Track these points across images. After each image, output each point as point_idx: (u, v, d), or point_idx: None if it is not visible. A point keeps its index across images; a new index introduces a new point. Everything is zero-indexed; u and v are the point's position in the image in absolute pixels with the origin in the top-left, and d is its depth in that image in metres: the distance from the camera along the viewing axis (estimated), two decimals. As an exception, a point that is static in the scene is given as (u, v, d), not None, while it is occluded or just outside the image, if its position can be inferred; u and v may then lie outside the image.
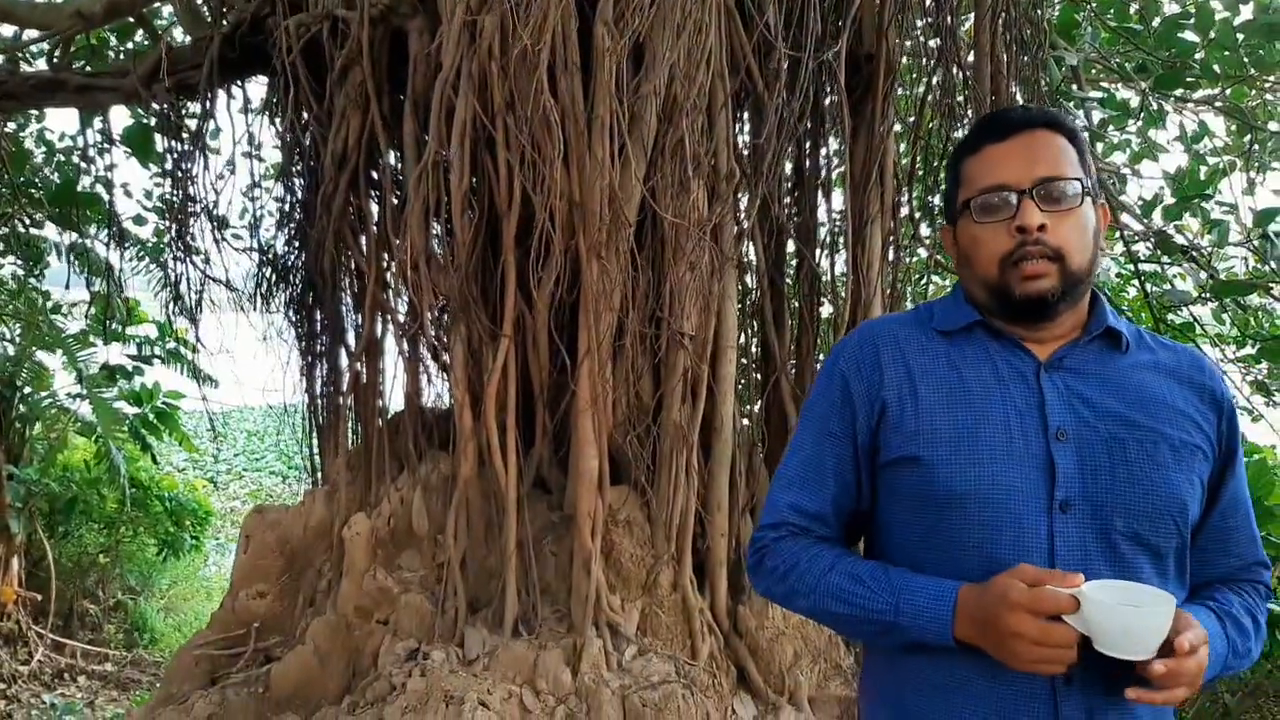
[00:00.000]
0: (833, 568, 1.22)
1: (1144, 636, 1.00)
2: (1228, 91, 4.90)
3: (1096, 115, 4.40)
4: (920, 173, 3.75)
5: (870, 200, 3.27)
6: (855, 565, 1.22)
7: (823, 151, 3.69)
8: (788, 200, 3.60)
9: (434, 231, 3.31)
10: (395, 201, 3.48)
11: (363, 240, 3.59)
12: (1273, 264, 3.33)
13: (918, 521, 1.21)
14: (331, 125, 3.47)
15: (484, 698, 2.67)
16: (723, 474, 3.11)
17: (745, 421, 3.64)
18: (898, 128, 3.70)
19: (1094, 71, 4.79)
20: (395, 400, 3.63)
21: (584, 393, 2.89)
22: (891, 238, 3.37)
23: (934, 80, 3.45)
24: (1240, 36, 4.30)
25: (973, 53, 3.41)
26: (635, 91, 2.82)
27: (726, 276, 3.06)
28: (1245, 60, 4.38)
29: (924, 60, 3.77)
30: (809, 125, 3.37)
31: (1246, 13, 4.27)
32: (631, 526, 3.08)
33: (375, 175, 3.63)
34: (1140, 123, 4.97)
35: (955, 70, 3.39)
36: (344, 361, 3.81)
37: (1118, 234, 3.73)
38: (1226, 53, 4.26)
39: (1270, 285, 3.71)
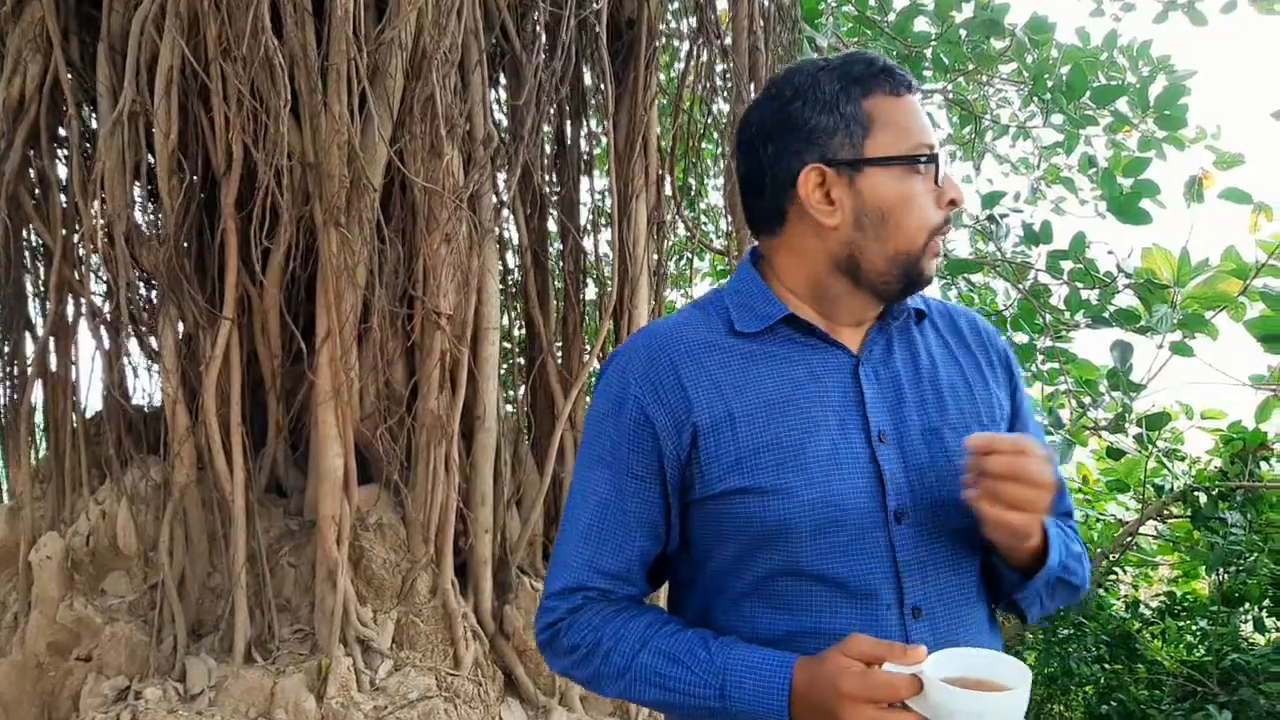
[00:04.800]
0: (644, 644, 1.02)
1: None
2: (950, 86, 5.29)
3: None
4: (681, 150, 3.69)
5: (635, 173, 3.14)
6: (671, 640, 1.02)
7: (586, 124, 3.53)
8: (550, 173, 3.41)
9: (135, 197, 2.84)
10: (87, 162, 2.96)
11: (47, 208, 3.04)
12: (995, 244, 3.55)
13: (746, 560, 1.03)
14: (3, 71, 2.91)
15: (210, 739, 2.30)
16: (486, 466, 2.88)
17: (509, 408, 3.44)
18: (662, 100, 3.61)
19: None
20: (93, 398, 3.15)
21: (324, 382, 2.56)
22: (655, 213, 3.26)
23: (694, 55, 3.38)
24: (964, 33, 4.63)
25: (730, 33, 3.38)
26: (378, 39, 2.51)
27: (486, 251, 2.82)
28: (967, 55, 4.72)
29: (682, 41, 3.72)
30: (570, 91, 3.19)
31: (968, 10, 4.59)
32: (384, 530, 2.78)
33: (62, 131, 3.08)
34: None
35: (715, 45, 3.33)
36: (29, 351, 3.21)
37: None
38: (952, 45, 4.56)
39: (994, 263, 3.98)
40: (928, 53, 4.65)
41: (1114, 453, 3.30)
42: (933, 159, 1.01)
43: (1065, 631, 3.90)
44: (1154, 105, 4.16)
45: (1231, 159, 4.14)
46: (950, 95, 5.25)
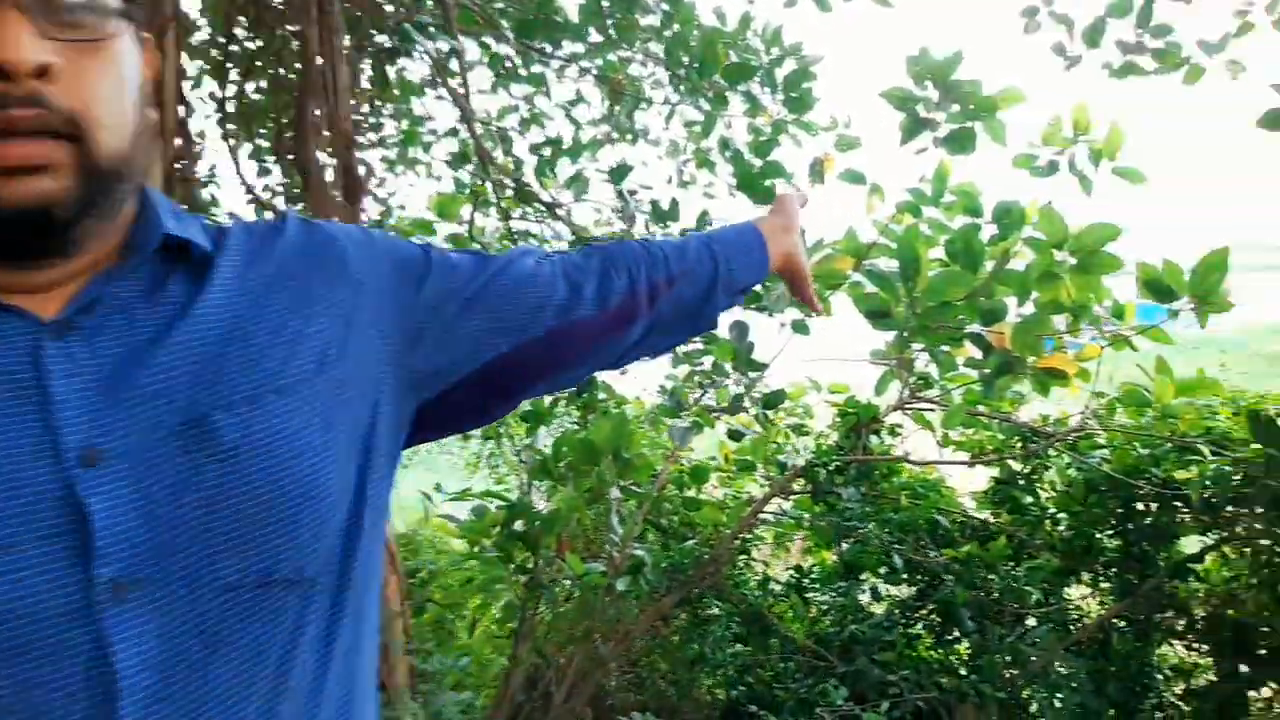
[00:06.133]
0: None
1: None
2: (598, 61, 5.13)
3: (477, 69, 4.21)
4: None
5: None
6: None
7: None
8: None
9: None
10: None
11: None
12: (624, 222, 3.38)
13: None
14: None
15: None
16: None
17: None
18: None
19: (477, 23, 4.64)
20: None
21: None
22: None
23: None
24: (606, 3, 4.46)
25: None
26: None
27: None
28: (610, 27, 4.56)
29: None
30: None
31: (610, -19, 4.42)
32: None
33: None
34: (530, 89, 4.98)
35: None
36: None
37: (490, 191, 3.55)
38: (593, 15, 4.36)
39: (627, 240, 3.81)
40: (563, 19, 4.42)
41: (734, 434, 3.24)
42: None
43: (706, 613, 3.86)
44: (782, 87, 4.20)
45: (850, 142, 4.28)
46: (597, 72, 5.10)
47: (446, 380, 0.84)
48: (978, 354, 3.08)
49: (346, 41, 3.03)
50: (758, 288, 3.25)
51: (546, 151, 4.47)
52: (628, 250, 0.99)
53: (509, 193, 3.42)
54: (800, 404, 4.42)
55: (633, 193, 3.43)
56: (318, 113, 2.88)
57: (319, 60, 2.52)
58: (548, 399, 4.31)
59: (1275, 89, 2.25)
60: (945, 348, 3.21)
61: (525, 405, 4.58)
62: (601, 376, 4.37)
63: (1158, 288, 2.60)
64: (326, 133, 2.51)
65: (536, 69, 4.87)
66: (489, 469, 5.08)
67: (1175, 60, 3.55)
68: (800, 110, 4.41)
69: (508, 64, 4.91)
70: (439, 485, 4.17)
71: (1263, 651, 2.82)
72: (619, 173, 3.39)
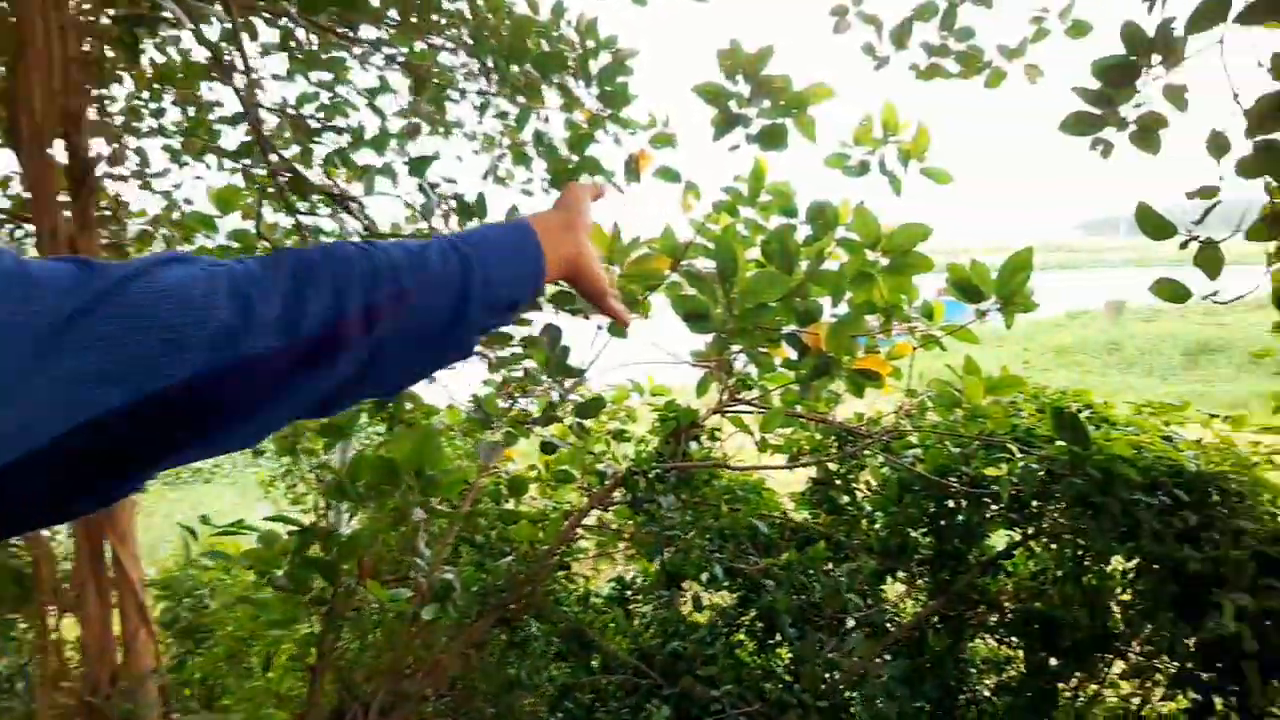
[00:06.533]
0: None
1: None
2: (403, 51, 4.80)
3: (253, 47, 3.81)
4: None
5: None
6: None
7: None
8: None
9: None
10: None
11: None
12: (424, 217, 3.12)
13: None
14: None
15: None
16: None
17: None
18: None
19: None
20: None
21: None
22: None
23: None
24: (408, -17, 4.15)
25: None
26: None
27: None
28: (412, 11, 4.25)
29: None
30: None
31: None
32: None
33: None
34: (332, 76, 4.60)
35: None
36: None
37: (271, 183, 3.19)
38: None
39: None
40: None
41: (547, 447, 3.03)
42: None
43: (525, 633, 3.64)
44: (596, 79, 4.04)
45: (665, 138, 4.17)
46: (404, 59, 4.77)
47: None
48: (795, 355, 3.02)
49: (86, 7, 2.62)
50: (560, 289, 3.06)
51: (345, 141, 4.13)
52: (335, 255, 0.74)
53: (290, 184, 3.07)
54: (624, 407, 4.28)
55: (434, 186, 3.16)
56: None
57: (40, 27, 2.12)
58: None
59: (1075, 92, 2.27)
60: (764, 349, 3.14)
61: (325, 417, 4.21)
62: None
63: (966, 288, 2.60)
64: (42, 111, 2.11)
65: (340, 54, 4.50)
66: (285, 488, 4.64)
67: (978, 64, 3.63)
68: (617, 106, 4.27)
69: (304, 47, 4.51)
70: (206, 518, 3.73)
71: (1069, 643, 2.89)
72: (419, 164, 3.12)
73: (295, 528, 3.06)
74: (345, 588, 3.24)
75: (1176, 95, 2.28)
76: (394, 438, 3.02)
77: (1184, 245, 2.21)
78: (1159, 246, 2.17)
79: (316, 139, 3.82)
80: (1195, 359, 19.38)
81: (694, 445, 3.41)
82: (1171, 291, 2.18)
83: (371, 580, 3.27)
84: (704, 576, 3.51)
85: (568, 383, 3.15)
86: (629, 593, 3.72)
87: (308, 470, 4.42)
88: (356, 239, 3.37)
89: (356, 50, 4.55)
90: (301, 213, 3.30)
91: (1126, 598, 2.89)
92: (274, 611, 3.25)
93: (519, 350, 3.41)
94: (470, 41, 4.32)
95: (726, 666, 3.27)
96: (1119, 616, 2.90)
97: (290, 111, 4.34)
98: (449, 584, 3.21)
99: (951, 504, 3.17)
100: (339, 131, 3.99)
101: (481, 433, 3.11)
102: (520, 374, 3.31)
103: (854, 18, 3.80)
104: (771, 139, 2.88)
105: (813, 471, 3.71)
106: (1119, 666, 2.99)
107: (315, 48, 4.54)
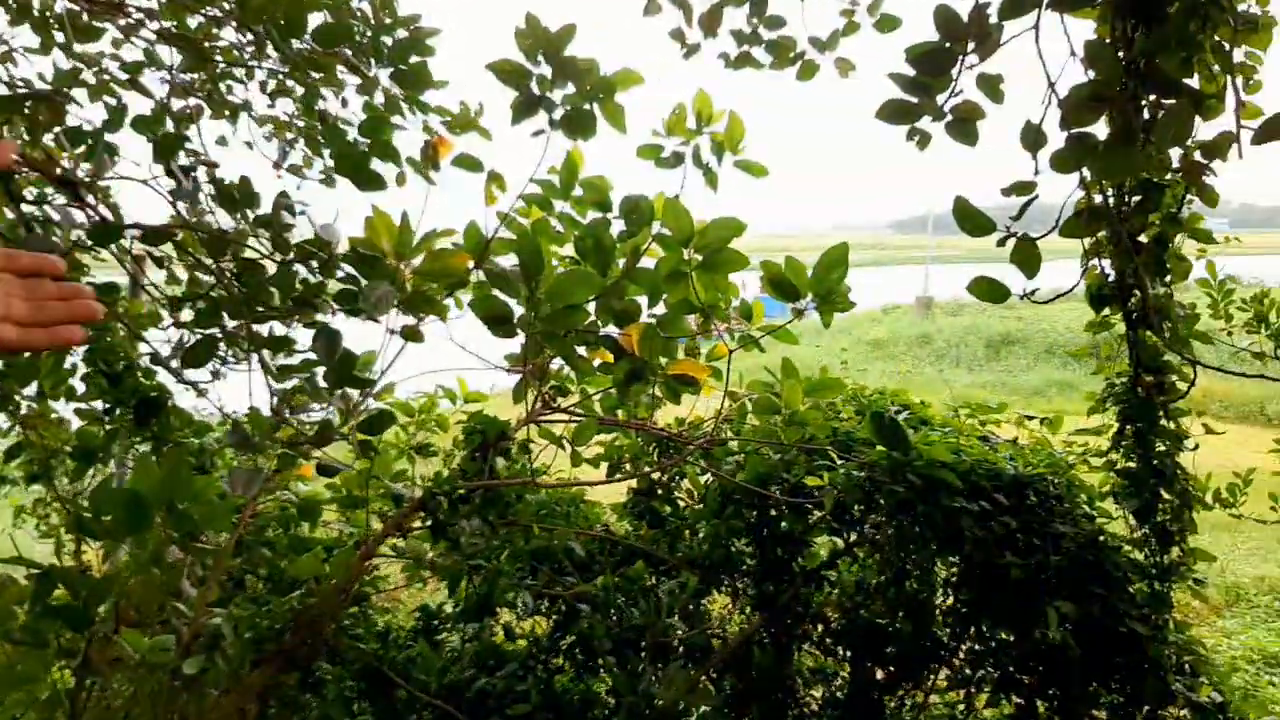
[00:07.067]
0: None
1: None
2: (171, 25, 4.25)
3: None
4: None
5: None
6: None
7: None
8: None
9: None
10: None
11: None
12: (182, 203, 2.68)
13: None
14: None
15: None
16: None
17: None
18: None
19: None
20: None
21: None
22: None
23: None
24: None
25: None
26: None
27: None
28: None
29: None
30: None
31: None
32: None
33: None
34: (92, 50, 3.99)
35: None
36: None
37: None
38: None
39: (187, 227, 3.07)
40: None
41: (324, 470, 2.66)
42: None
43: (315, 678, 3.23)
44: (389, 57, 3.66)
45: (465, 122, 3.85)
46: (172, 30, 4.22)
47: None
48: (613, 359, 2.80)
49: None
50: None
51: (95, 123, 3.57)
52: None
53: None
54: (433, 417, 3.93)
55: (188, 170, 2.72)
56: None
57: None
58: (104, 428, 3.41)
59: (891, 78, 2.12)
60: (582, 351, 2.90)
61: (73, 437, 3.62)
62: (184, 402, 3.57)
63: (782, 286, 2.43)
64: None
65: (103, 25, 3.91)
66: (37, 519, 3.99)
67: (789, 54, 3.51)
68: (415, 88, 3.90)
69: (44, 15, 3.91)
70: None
71: (894, 653, 2.79)
72: (166, 145, 2.66)
73: (34, 570, 2.57)
74: (101, 635, 2.76)
75: (992, 85, 2.18)
76: (140, 466, 2.56)
77: (1001, 242, 2.12)
78: (970, 244, 2.08)
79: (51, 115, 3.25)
80: (997, 350, 20.73)
81: (503, 460, 3.10)
82: (990, 291, 2.07)
83: (128, 629, 2.80)
84: (518, 602, 3.22)
85: (354, 395, 2.79)
86: (435, 623, 3.38)
87: (52, 500, 3.82)
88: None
89: (121, 21, 3.97)
90: (29, 201, 2.76)
91: (950, 605, 2.82)
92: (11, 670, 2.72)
93: (311, 356, 3.01)
94: (238, 10, 3.85)
95: (543, 698, 3.00)
96: (943, 624, 2.83)
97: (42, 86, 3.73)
98: (217, 629, 2.79)
99: (774, 513, 3.02)
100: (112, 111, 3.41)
101: (252, 457, 2.70)
102: (301, 385, 2.91)
103: (665, 1, 3.60)
104: (576, 125, 2.62)
105: (634, 481, 3.49)
106: (945, 674, 2.92)
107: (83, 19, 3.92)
